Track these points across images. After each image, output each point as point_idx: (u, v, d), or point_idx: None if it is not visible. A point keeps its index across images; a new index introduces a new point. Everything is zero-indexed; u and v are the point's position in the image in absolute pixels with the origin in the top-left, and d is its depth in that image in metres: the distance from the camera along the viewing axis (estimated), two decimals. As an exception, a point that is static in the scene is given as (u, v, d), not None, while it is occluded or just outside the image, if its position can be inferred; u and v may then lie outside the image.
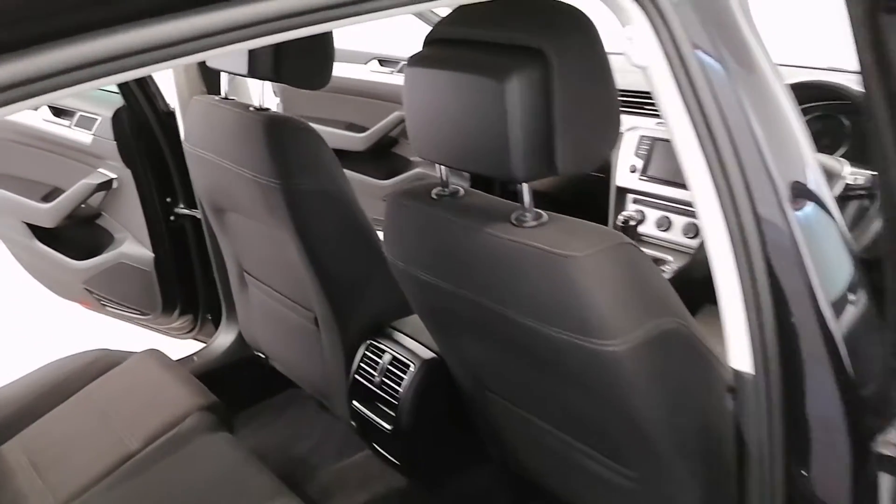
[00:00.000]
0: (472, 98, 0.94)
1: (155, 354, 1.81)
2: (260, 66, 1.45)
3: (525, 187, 0.98)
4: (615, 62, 0.94)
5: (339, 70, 2.53)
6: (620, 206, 2.05)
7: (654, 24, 0.86)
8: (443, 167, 1.10)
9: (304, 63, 1.46)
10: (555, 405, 1.17)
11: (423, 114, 1.03)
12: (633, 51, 0.89)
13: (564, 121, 0.91)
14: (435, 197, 1.12)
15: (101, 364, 1.78)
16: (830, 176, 1.55)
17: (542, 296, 0.96)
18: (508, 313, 1.02)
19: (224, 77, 1.66)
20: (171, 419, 1.55)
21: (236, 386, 2.00)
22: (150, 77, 1.94)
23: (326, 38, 1.46)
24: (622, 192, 2.03)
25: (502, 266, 0.99)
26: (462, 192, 1.12)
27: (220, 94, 1.67)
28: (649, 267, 0.97)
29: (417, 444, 1.53)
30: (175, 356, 2.01)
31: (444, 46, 1.02)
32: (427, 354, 1.51)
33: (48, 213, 2.17)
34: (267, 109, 1.54)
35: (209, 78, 1.84)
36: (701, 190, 0.91)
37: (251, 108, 1.54)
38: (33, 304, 2.82)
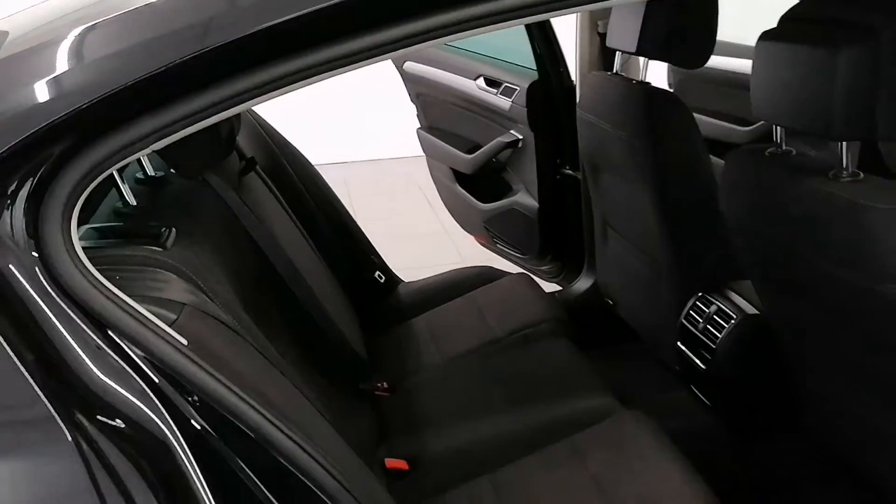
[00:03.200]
0: (806, 66, 1.12)
1: (526, 277, 2.25)
2: (647, 46, 1.74)
3: (844, 147, 1.13)
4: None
5: (740, 66, 2.73)
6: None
7: None
8: (779, 129, 1.28)
9: (686, 44, 1.71)
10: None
11: (766, 81, 1.23)
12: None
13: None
14: (768, 156, 1.30)
15: (485, 276, 2.29)
16: None
17: (844, 244, 1.10)
18: (814, 261, 1.17)
19: (617, 57, 1.99)
20: (530, 320, 1.97)
21: (587, 326, 2.33)
22: (561, 57, 2.35)
23: (711, 20, 1.68)
24: None
25: (811, 213, 1.15)
26: (794, 153, 1.28)
27: (612, 70, 2.01)
28: None
29: (727, 387, 1.71)
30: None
31: (793, 23, 1.21)
32: (751, 310, 1.67)
33: (468, 163, 2.74)
34: (648, 84, 1.83)
35: (606, 57, 2.19)
36: None
37: (634, 82, 1.84)
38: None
